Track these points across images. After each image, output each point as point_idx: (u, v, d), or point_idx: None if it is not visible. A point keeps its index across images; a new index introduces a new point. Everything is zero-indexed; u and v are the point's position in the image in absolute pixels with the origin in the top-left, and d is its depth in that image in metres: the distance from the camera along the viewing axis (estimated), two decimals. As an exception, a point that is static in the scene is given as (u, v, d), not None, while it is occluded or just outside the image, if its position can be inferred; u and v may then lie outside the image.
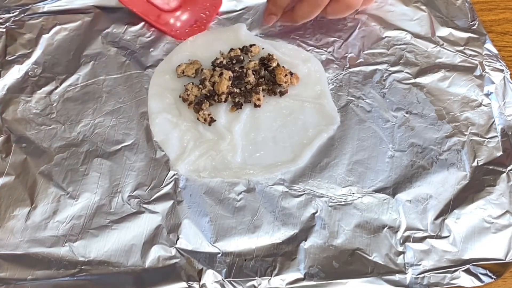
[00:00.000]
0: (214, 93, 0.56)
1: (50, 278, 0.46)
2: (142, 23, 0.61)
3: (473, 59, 0.61)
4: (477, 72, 0.60)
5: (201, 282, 0.46)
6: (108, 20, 0.61)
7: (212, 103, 0.56)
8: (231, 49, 0.59)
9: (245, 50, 0.59)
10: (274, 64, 0.58)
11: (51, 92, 0.56)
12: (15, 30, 0.60)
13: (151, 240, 0.48)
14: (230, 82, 0.56)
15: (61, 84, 0.57)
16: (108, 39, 0.60)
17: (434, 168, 0.53)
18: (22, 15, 0.61)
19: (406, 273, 0.48)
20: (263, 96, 0.56)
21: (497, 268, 0.49)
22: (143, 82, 0.58)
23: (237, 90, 0.56)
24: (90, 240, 0.48)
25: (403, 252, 0.49)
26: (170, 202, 0.50)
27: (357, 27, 0.63)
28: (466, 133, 0.56)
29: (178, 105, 0.56)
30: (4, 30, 0.59)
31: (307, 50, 0.61)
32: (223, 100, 0.55)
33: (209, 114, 0.55)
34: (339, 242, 0.49)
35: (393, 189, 0.52)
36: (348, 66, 0.60)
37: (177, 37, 0.60)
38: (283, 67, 0.58)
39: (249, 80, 0.56)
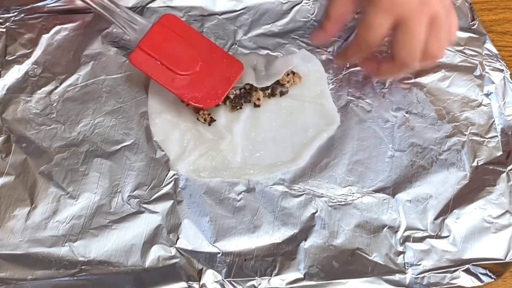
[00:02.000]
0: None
1: (50, 278, 0.46)
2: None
3: (473, 59, 0.61)
4: (477, 72, 0.60)
5: (201, 282, 0.46)
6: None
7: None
8: None
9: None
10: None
11: (51, 92, 0.56)
12: (15, 30, 0.60)
13: (151, 240, 0.48)
14: None
15: (61, 84, 0.57)
16: (108, 39, 0.60)
17: (434, 168, 0.53)
18: (22, 15, 0.61)
19: (406, 273, 0.48)
20: (263, 96, 0.56)
21: (497, 268, 0.49)
22: (143, 82, 0.58)
23: (237, 92, 0.56)
24: (90, 240, 0.48)
25: (403, 252, 0.49)
26: (170, 202, 0.50)
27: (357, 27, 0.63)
28: (466, 133, 0.56)
29: (178, 105, 0.56)
30: (4, 30, 0.59)
31: (308, 50, 0.60)
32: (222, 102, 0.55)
33: (209, 114, 0.55)
34: (339, 242, 0.49)
35: (393, 189, 0.52)
36: (348, 66, 0.60)
37: (192, 102, 0.53)
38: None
39: (249, 81, 0.56)
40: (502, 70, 0.60)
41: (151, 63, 0.54)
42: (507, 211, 0.51)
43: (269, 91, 0.57)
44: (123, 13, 0.56)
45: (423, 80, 0.59)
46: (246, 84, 0.56)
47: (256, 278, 0.47)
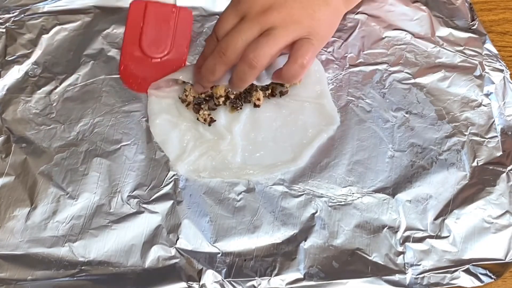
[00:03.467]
0: (212, 96, 0.55)
1: (50, 278, 0.46)
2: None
3: (473, 59, 0.61)
4: (477, 72, 0.60)
5: (201, 282, 0.46)
6: (108, 20, 0.61)
7: (211, 106, 0.56)
8: None
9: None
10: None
11: (50, 92, 0.56)
12: (15, 30, 0.60)
13: (151, 240, 0.48)
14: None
15: (60, 84, 0.57)
16: (108, 39, 0.60)
17: (434, 168, 0.53)
18: (22, 15, 0.61)
19: (406, 273, 0.48)
20: (263, 96, 0.56)
21: (497, 268, 0.49)
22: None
23: (237, 92, 0.56)
24: (90, 240, 0.48)
25: (403, 252, 0.49)
26: (170, 202, 0.50)
27: (357, 27, 0.63)
28: (466, 133, 0.56)
29: (178, 105, 0.56)
30: (4, 30, 0.59)
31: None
32: (221, 103, 0.55)
33: (209, 114, 0.55)
34: (339, 242, 0.49)
35: (393, 189, 0.52)
36: (348, 66, 0.60)
37: (120, 74, 0.57)
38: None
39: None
40: (502, 70, 0.60)
41: (137, 20, 0.59)
42: (507, 211, 0.51)
43: (269, 91, 0.57)
44: None
45: (423, 80, 0.59)
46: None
47: (256, 278, 0.47)
